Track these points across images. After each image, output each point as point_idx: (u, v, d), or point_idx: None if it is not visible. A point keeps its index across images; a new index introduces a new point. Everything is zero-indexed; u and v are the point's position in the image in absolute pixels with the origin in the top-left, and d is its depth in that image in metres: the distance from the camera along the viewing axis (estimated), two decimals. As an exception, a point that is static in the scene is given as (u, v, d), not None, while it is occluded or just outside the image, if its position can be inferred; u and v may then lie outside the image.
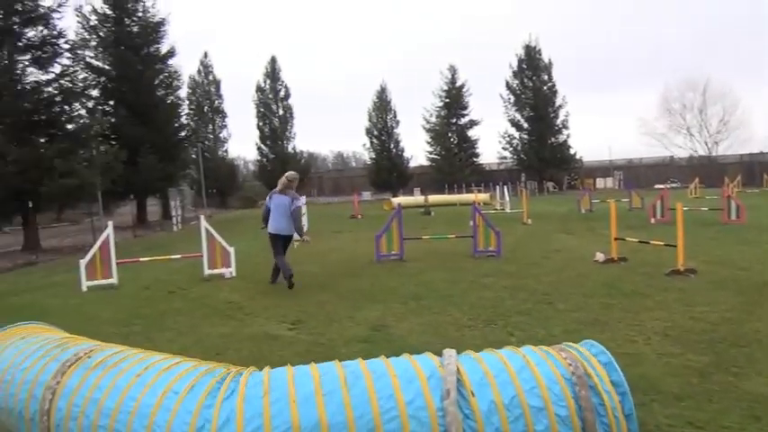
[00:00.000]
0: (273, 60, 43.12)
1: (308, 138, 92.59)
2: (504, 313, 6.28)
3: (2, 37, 15.21)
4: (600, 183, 44.52)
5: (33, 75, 16.23)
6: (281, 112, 43.32)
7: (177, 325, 6.42)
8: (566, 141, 43.43)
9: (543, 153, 41.68)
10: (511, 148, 44.69)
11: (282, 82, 43.51)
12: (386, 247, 10.63)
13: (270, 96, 43.05)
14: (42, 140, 15.59)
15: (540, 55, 43.14)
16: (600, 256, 9.54)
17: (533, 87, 43.10)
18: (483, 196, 29.52)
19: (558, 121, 43.37)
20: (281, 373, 2.63)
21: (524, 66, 43.18)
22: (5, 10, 15.36)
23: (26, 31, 15.95)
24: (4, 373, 3.21)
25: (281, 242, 8.51)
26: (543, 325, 5.75)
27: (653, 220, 16.13)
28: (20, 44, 15.66)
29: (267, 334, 5.82)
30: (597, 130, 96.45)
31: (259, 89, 43.15)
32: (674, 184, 37.89)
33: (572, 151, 43.54)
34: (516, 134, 44.41)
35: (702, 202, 21.56)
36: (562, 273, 8.65)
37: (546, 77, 43.32)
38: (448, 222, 19.04)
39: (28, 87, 15.78)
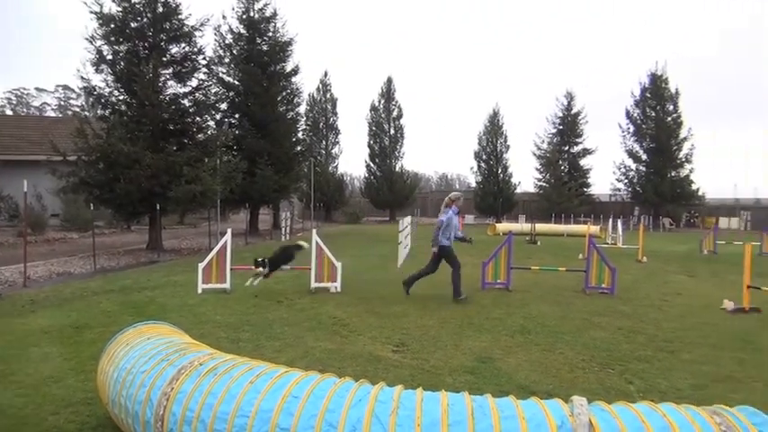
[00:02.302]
0: (389, 81, 43.95)
1: (414, 158, 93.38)
2: (620, 358, 5.84)
3: (150, 52, 16.60)
4: (723, 222, 41.10)
5: (172, 87, 17.55)
6: (392, 131, 43.95)
7: (284, 335, 6.53)
8: (687, 176, 40.48)
9: (661, 187, 39.08)
10: (626, 180, 42.39)
11: (396, 102, 44.18)
12: (492, 274, 10.33)
13: (383, 116, 43.84)
14: (174, 148, 16.75)
15: (667, 84, 40.72)
16: (729, 305, 8.69)
17: (656, 117, 40.65)
18: (594, 228, 28.16)
19: (681, 155, 40.59)
20: (412, 395, 2.56)
21: (648, 95, 40.88)
22: (155, 28, 16.77)
23: (171, 47, 17.31)
24: (127, 373, 3.36)
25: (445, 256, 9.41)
26: (665, 375, 5.27)
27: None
28: (164, 59, 17.00)
29: (371, 354, 5.77)
30: (722, 167, 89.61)
31: (373, 108, 44.10)
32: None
33: (694, 187, 40.56)
34: (633, 165, 42.09)
35: None
36: (685, 319, 7.96)
37: (671, 108, 40.80)
38: (554, 253, 18.29)
39: (167, 99, 17.06)
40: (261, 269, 9.59)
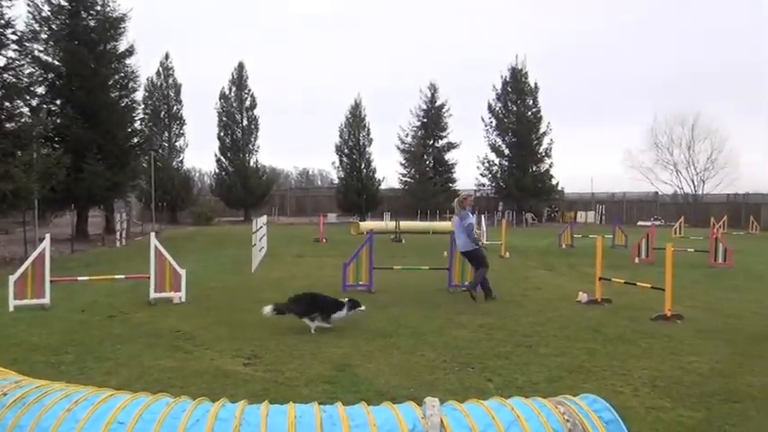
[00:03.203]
0: (241, 67, 43.00)
1: (271, 152, 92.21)
2: (481, 356, 6.22)
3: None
4: (581, 216, 45.24)
5: (-29, 66, 15.82)
6: (245, 122, 43.06)
7: (117, 355, 6.17)
8: (548, 170, 44.04)
9: (523, 181, 42.13)
10: (489, 175, 45.17)
11: (249, 90, 43.36)
12: (353, 276, 10.50)
13: (234, 105, 42.82)
14: (-25, 139, 15.11)
15: (527, 78, 43.92)
16: (583, 297, 9.59)
17: (517, 112, 43.76)
18: (458, 225, 29.62)
19: (541, 149, 44.03)
20: (256, 410, 2.53)
21: (509, 88, 43.86)
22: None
23: (-33, 17, 15.57)
24: None
25: (468, 259, 10.11)
26: (523, 370, 5.70)
27: (636, 260, 16.37)
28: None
29: (219, 369, 5.64)
30: (580, 161, 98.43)
31: (223, 96, 42.89)
32: (658, 222, 38.69)
33: (554, 181, 44.20)
34: (496, 160, 44.95)
35: (687, 243, 22.02)
36: (543, 313, 8.66)
37: (531, 102, 44.09)
38: (419, 252, 19.02)
39: (-36, 80, 15.36)
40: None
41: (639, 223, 40.34)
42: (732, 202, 42.82)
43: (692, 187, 45.90)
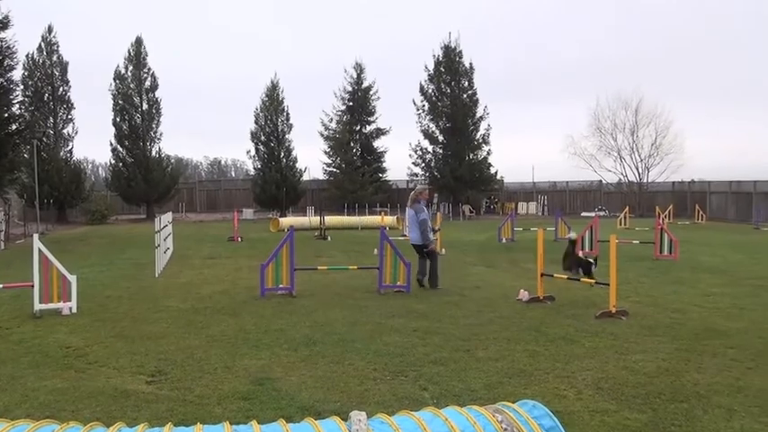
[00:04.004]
0: (139, 42, 41.59)
1: (177, 140, 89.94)
2: (415, 363, 6.29)
3: None
4: (522, 207, 46.44)
5: None
6: (144, 106, 41.75)
7: (-6, 377, 5.89)
8: (485, 158, 44.77)
9: (460, 171, 42.74)
10: (423, 164, 45.61)
11: (149, 69, 41.98)
12: (273, 279, 10.40)
13: (132, 86, 41.45)
14: None
15: (461, 57, 44.52)
16: (524, 295, 9.86)
17: (451, 94, 44.31)
18: (389, 219, 29.87)
19: (478, 135, 44.77)
20: None
21: (442, 69, 44.35)
22: None
23: None
24: None
25: (418, 252, 11.33)
26: (461, 377, 5.81)
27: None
28: None
29: (117, 389, 5.48)
30: (520, 149, 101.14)
31: (118, 77, 41.36)
32: (602, 213, 40.19)
33: (492, 170, 45.08)
34: (430, 147, 45.41)
35: (633, 234, 22.96)
36: (482, 314, 8.85)
37: (466, 84, 44.74)
38: (346, 250, 19.05)
39: None
40: None
41: (583, 214, 41.76)
42: (678, 191, 44.92)
43: (637, 175, 47.85)
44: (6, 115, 25.12)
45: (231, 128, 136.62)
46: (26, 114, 32.70)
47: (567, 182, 49.50)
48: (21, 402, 5.17)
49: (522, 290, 10.06)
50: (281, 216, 35.25)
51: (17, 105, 27.75)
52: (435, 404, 4.96)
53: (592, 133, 48.96)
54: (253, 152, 44.29)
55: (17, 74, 26.85)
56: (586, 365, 6.16)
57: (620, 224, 29.46)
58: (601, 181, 49.11)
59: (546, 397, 5.16)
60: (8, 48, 24.83)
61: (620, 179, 48.64)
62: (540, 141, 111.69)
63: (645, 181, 47.60)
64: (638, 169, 47.67)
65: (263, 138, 43.86)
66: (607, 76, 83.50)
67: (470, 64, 44.71)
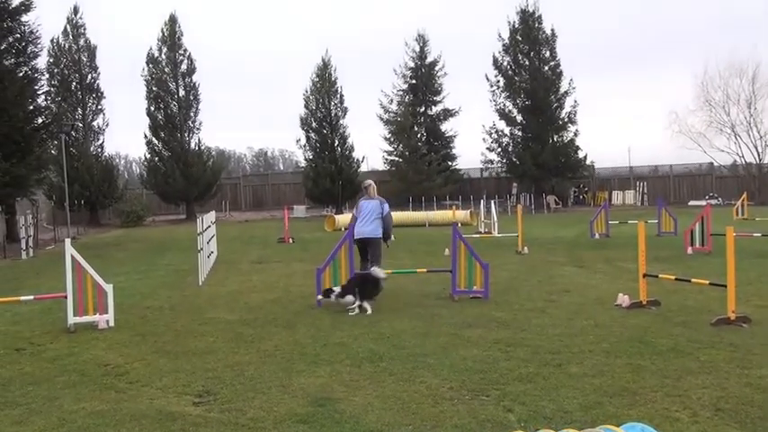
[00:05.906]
0: (173, 21, 42.51)
1: (218, 130, 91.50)
2: (497, 380, 6.25)
3: None
4: (617, 197, 45.56)
5: None
6: (181, 92, 42.69)
7: (28, 398, 6.15)
8: (572, 141, 44.02)
9: (542, 156, 42.11)
10: (499, 149, 45.21)
11: (185, 51, 42.91)
12: (330, 284, 10.49)
13: (167, 71, 42.44)
14: None
15: (541, 23, 43.86)
16: (624, 300, 9.66)
17: (530, 67, 43.73)
18: (461, 214, 29.74)
19: (563, 114, 44.09)
20: None
21: (519, 37, 43.81)
22: None
23: None
24: None
25: (366, 247, 11.29)
26: (552, 396, 5.74)
27: (690, 250, 16.51)
28: None
29: (161, 411, 5.62)
30: (613, 128, 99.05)
31: (152, 60, 42.41)
32: (714, 201, 39.01)
33: (581, 154, 44.30)
34: (506, 130, 44.99)
35: (752, 226, 22.23)
36: (573, 322, 8.72)
37: (547, 54, 44.07)
38: (413, 250, 19.05)
39: None
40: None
41: (691, 203, 40.68)
42: (806, 173, 43.28)
43: (756, 155, 46.23)
44: (32, 108, 26.04)
45: (278, 114, 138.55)
46: (53, 106, 33.85)
47: (671, 165, 48.31)
48: (58, 427, 5.35)
49: (620, 294, 9.86)
50: (336, 213, 35.50)
51: (42, 96, 28.69)
52: (523, 428, 4.92)
53: (699, 107, 47.51)
54: (303, 141, 44.78)
55: (42, 61, 27.75)
56: (702, 382, 5.99)
57: (737, 214, 28.58)
58: (712, 163, 47.73)
59: (655, 420, 5.05)
60: (31, 33, 25.74)
61: (736, 160, 47.16)
62: (636, 119, 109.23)
63: (766, 162, 45.97)
64: (756, 148, 46.05)
65: (314, 124, 44.23)
66: (716, 38, 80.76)
67: (552, 30, 44.15)
